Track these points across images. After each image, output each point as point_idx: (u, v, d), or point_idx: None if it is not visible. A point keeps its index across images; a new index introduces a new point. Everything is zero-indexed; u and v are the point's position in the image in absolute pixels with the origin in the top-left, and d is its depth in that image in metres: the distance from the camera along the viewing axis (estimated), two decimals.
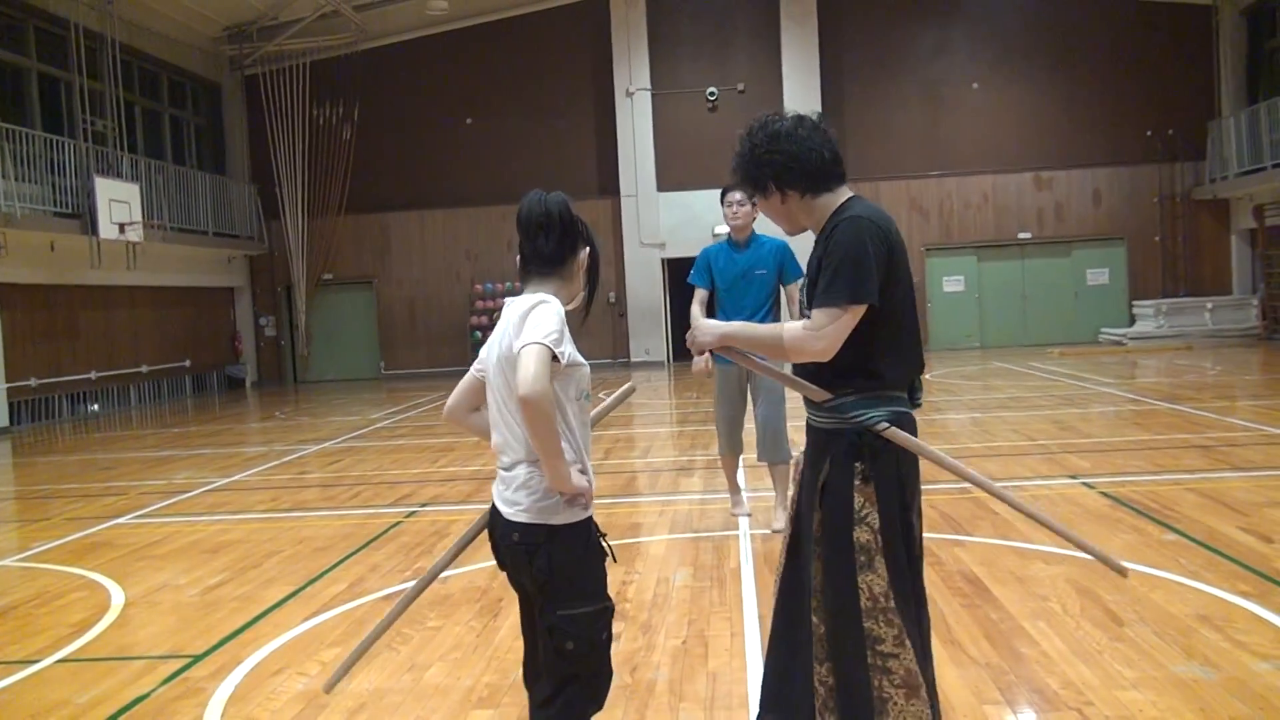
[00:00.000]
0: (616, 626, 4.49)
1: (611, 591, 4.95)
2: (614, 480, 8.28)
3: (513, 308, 2.64)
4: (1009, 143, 21.18)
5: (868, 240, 2.56)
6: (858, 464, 2.60)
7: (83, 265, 16.32)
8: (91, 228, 15.92)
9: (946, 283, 21.87)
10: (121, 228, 16.37)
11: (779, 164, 2.64)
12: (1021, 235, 21.68)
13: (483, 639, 4.38)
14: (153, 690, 3.99)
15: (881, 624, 2.56)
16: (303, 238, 22.05)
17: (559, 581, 2.57)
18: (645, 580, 5.22)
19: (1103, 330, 21.27)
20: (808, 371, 2.70)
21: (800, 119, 2.69)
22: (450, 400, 2.84)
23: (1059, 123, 21.23)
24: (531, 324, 2.49)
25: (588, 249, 2.73)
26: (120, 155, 17.68)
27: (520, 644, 4.26)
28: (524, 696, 3.75)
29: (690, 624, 4.48)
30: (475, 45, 22.12)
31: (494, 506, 2.68)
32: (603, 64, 21.75)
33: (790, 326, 2.67)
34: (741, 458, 6.47)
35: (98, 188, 16.01)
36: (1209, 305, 20.48)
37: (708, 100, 21.69)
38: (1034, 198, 21.55)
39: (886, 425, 2.59)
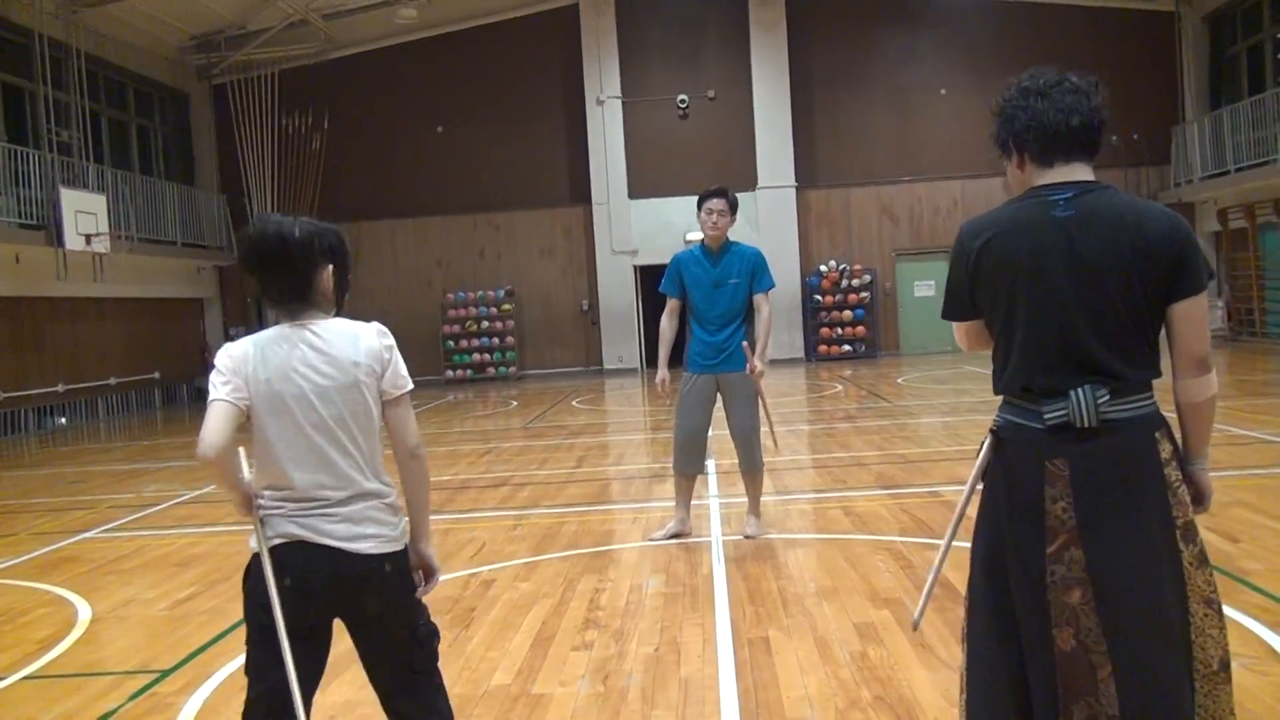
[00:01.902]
0: (589, 635, 4.50)
1: (584, 600, 4.98)
2: (587, 488, 8.27)
3: (329, 331, 2.51)
4: (977, 148, 21.20)
5: (953, 250, 2.53)
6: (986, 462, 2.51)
7: (49, 277, 16.13)
8: (57, 239, 15.74)
9: (917, 287, 22.00)
10: (88, 239, 16.20)
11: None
12: None
13: (454, 649, 4.36)
14: (120, 706, 3.95)
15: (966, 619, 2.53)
16: None
17: (414, 594, 2.64)
18: (618, 587, 5.22)
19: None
20: None
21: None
22: (223, 437, 2.41)
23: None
24: (400, 366, 2.57)
25: (330, 266, 2.57)
26: (86, 166, 17.48)
27: (492, 654, 4.27)
28: (497, 706, 3.75)
29: (663, 631, 4.48)
30: (445, 54, 22.07)
31: (313, 546, 2.46)
32: (573, 72, 21.75)
33: None
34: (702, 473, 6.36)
35: (63, 199, 15.83)
36: None
37: (678, 107, 21.74)
38: (1003, 202, 21.73)
39: (991, 432, 2.49)
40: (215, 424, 2.42)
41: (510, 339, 22.03)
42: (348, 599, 2.52)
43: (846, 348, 21.51)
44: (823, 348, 21.50)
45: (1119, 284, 2.28)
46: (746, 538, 6.04)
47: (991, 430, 2.47)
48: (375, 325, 2.60)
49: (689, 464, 6.10)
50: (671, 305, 6.11)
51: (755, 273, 5.94)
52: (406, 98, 22.13)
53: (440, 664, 2.76)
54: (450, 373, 21.94)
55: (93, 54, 18.39)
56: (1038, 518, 2.32)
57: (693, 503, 6.33)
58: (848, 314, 21.53)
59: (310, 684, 2.52)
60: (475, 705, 3.76)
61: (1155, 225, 2.29)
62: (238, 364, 2.49)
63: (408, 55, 22.08)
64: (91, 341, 18.14)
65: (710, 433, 6.20)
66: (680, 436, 6.09)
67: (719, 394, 6.02)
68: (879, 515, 6.55)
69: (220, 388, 2.47)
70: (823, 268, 21.67)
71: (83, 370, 17.73)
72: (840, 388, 15.96)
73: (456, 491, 8.46)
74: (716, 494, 7.42)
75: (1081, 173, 2.40)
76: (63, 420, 17.19)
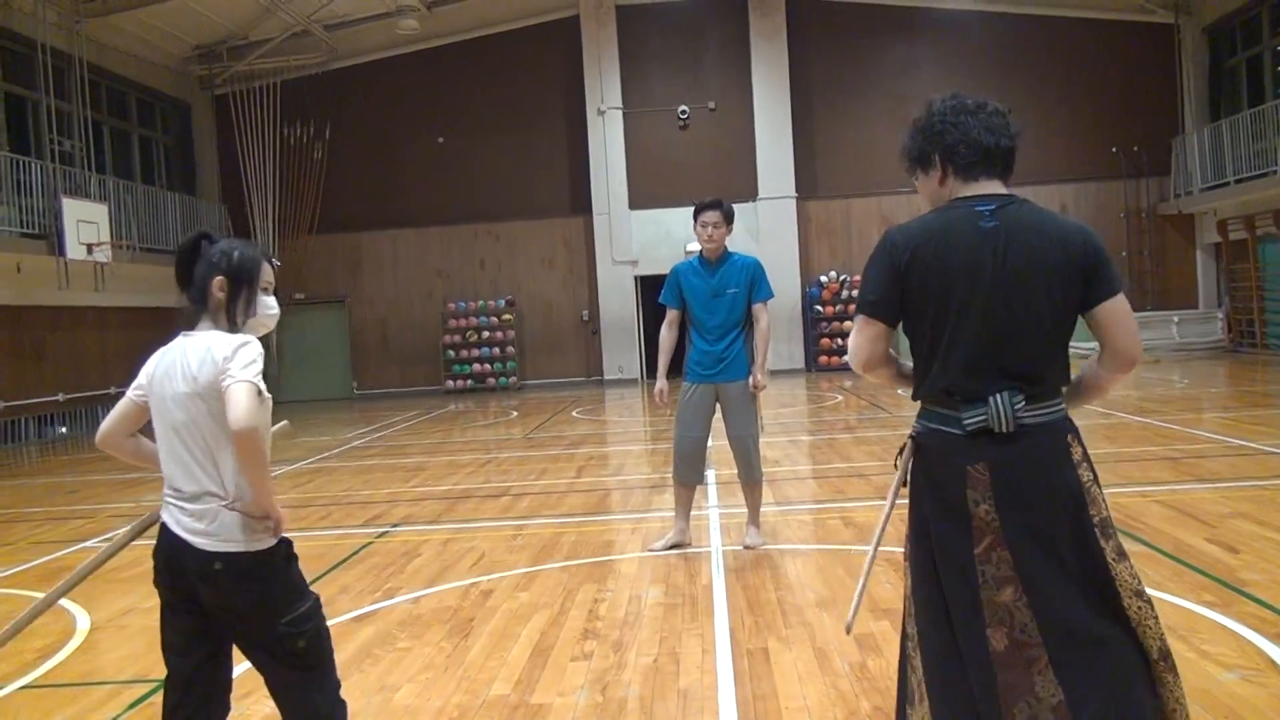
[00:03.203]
0: (588, 645, 4.49)
1: (583, 610, 4.98)
2: (587, 498, 8.27)
3: (195, 342, 2.74)
4: None
5: (878, 252, 2.52)
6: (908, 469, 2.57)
7: (50, 286, 16.15)
8: (59, 248, 15.77)
9: None
10: (89, 248, 16.23)
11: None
12: None
13: (453, 659, 4.36)
14: (118, 716, 3.94)
15: (908, 623, 2.58)
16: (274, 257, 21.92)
17: (274, 595, 2.74)
18: (617, 598, 5.21)
19: (1071, 344, 21.43)
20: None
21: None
22: (107, 426, 2.89)
23: (1025, 139, 20.47)
24: (238, 361, 2.65)
25: (220, 278, 2.80)
26: (88, 175, 17.53)
27: (491, 664, 4.27)
28: (496, 717, 3.74)
29: (662, 641, 4.48)
30: (447, 64, 22.13)
31: (171, 532, 2.76)
32: (574, 82, 21.80)
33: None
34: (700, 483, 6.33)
35: (65, 208, 15.87)
36: (1176, 319, 20.72)
37: (679, 118, 21.79)
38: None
39: (910, 439, 2.56)
40: (108, 416, 2.90)
41: (511, 349, 22.03)
42: (189, 586, 2.77)
43: (847, 359, 21.47)
44: (823, 358, 21.51)
45: (1044, 292, 2.39)
46: (746, 548, 6.04)
47: (911, 436, 2.54)
48: (239, 338, 2.73)
49: (688, 474, 6.10)
50: (671, 316, 6.13)
51: (754, 282, 5.95)
52: (408, 108, 22.19)
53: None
54: (451, 383, 21.93)
55: (95, 64, 18.44)
56: (964, 519, 2.40)
57: (692, 513, 6.33)
58: (848, 324, 21.43)
59: (199, 659, 2.87)
60: (474, 715, 3.75)
61: (1072, 235, 2.43)
62: (148, 366, 2.85)
63: (409, 66, 22.14)
64: (92, 351, 18.14)
65: (710, 443, 6.21)
66: (679, 446, 6.09)
67: (718, 404, 6.03)
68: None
69: (132, 385, 2.88)
70: (823, 278, 21.69)
71: (83, 379, 17.72)
72: (840, 398, 15.96)
73: (457, 501, 8.46)
74: (716, 504, 7.41)
75: (998, 189, 2.52)
76: (63, 429, 17.19)
